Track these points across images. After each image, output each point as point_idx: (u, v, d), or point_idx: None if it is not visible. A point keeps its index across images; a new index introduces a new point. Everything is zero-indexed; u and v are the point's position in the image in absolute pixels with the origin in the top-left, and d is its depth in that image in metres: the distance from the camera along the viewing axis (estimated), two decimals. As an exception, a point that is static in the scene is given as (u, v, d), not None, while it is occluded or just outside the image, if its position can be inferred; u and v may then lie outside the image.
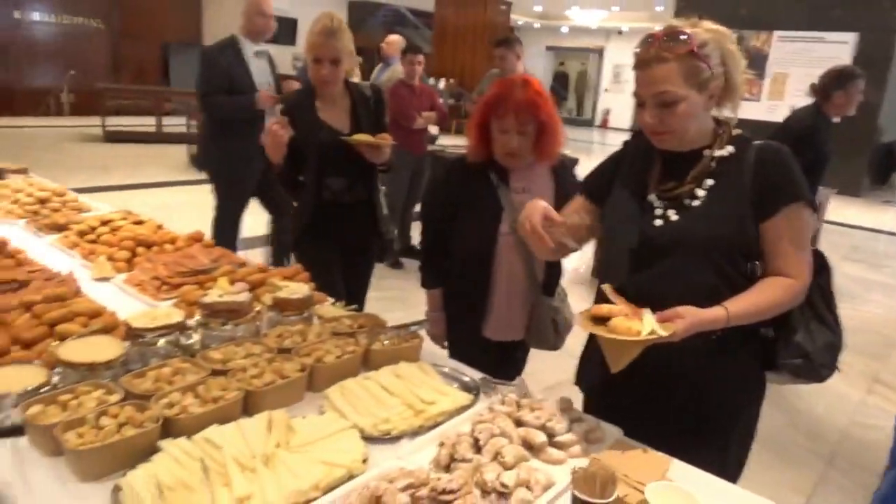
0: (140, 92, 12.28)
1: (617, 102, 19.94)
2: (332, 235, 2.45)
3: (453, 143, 6.91)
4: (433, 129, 5.90)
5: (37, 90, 12.58)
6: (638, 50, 1.33)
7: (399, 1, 17.05)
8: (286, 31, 14.39)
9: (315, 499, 1.11)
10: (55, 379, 1.35)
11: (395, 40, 5.73)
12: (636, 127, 1.57)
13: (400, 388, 1.46)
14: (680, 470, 1.26)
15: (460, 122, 12.22)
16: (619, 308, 1.30)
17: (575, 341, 1.83)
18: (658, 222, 1.40)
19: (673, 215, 1.39)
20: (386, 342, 1.64)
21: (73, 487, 1.14)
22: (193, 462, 1.15)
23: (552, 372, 2.60)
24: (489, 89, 1.99)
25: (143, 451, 1.17)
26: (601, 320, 1.29)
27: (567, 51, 21.41)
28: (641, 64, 1.32)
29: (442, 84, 13.92)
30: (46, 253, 2.22)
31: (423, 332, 1.75)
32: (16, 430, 1.25)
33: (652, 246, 1.39)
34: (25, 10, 12.70)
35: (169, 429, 1.23)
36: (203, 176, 4.27)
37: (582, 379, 1.66)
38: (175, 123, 10.46)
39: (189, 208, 6.21)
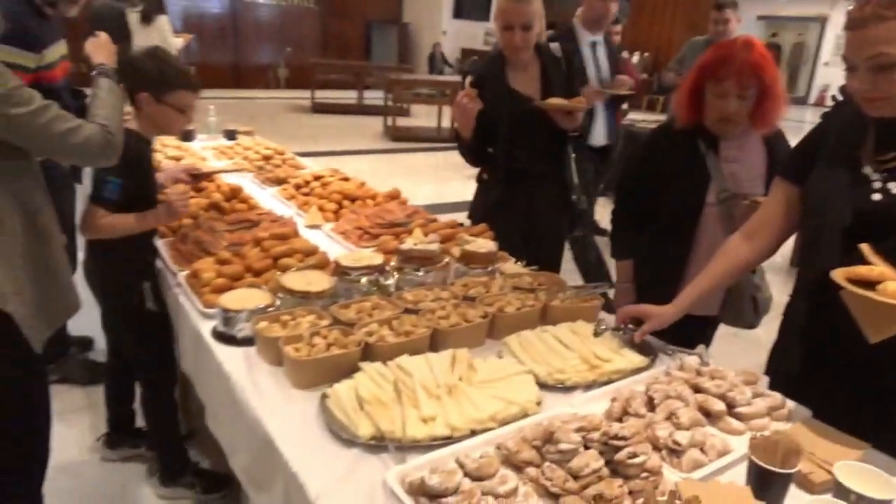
0: (344, 67, 13.27)
1: (837, 77, 17.73)
2: (522, 207, 2.38)
3: (643, 119, 6.65)
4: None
5: (259, 66, 14.11)
6: (851, 7, 1.21)
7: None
8: (479, 4, 14.67)
9: (491, 428, 1.20)
10: (277, 302, 1.57)
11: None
12: (838, 97, 1.42)
13: (576, 343, 1.50)
14: (877, 459, 1.16)
15: (653, 99, 11.68)
16: (889, 270, 1.17)
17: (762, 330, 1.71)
18: (876, 196, 1.27)
19: (895, 188, 1.26)
20: (565, 300, 1.68)
21: (290, 392, 1.34)
22: (387, 383, 1.30)
23: (737, 356, 2.47)
24: (693, 57, 1.89)
25: (346, 369, 1.34)
26: (861, 284, 1.17)
27: (782, 20, 19.35)
28: (855, 23, 1.19)
29: (636, 58, 13.36)
30: (269, 201, 2.55)
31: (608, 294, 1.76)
32: (247, 341, 1.49)
33: (870, 223, 1.26)
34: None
35: (368, 353, 1.39)
36: (397, 144, 4.50)
37: (776, 369, 1.55)
38: (374, 97, 11.20)
39: (383, 174, 6.64)
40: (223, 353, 1.47)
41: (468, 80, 2.32)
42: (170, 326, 1.90)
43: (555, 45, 2.46)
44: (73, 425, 2.44)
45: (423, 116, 10.55)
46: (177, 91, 1.81)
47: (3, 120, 1.33)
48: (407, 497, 1.02)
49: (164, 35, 5.58)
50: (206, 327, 1.56)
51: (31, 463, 1.62)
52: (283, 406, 1.29)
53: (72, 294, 1.66)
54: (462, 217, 2.50)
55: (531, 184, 2.37)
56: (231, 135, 3.66)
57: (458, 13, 15.21)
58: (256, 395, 1.33)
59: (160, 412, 2.06)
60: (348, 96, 11.70)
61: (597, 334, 1.54)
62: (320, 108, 11.26)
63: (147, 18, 5.48)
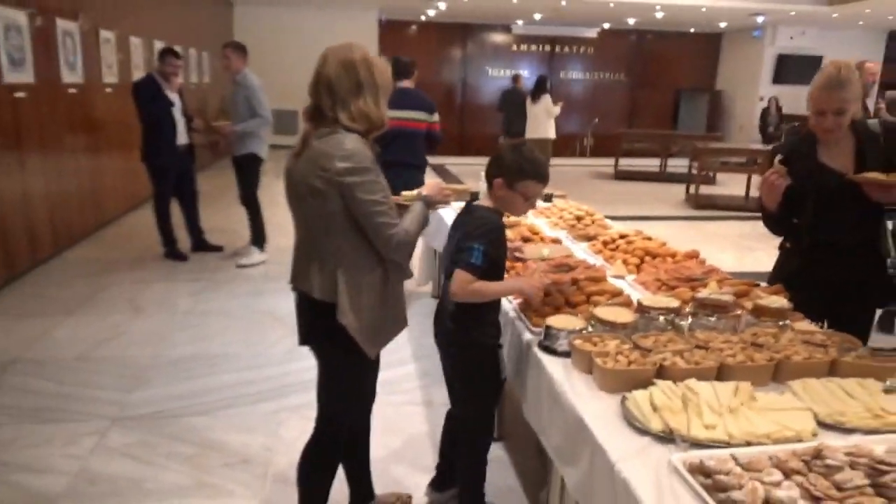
0: (648, 136, 13.54)
1: None
2: (825, 276, 2.35)
3: None
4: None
5: (569, 135, 15.15)
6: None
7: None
8: (801, 68, 13.74)
9: (763, 444, 1.43)
10: (589, 328, 1.99)
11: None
12: None
13: (862, 394, 1.62)
14: None
15: None
16: None
17: None
18: None
19: None
20: (858, 358, 1.78)
21: (597, 392, 1.73)
22: (676, 398, 1.61)
23: None
24: None
25: (642, 382, 1.69)
26: None
27: None
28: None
29: None
30: (581, 254, 3.02)
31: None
32: (565, 354, 1.93)
33: None
34: (567, 71, 15.56)
35: (661, 373, 1.72)
36: (699, 212, 4.62)
37: None
38: (678, 165, 11.24)
39: (683, 240, 6.71)
40: (546, 360, 1.94)
41: (778, 157, 2.40)
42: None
43: (874, 122, 2.47)
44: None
45: (730, 185, 10.26)
46: (527, 181, 2.01)
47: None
48: (687, 473, 1.33)
49: (548, 108, 9.12)
50: (533, 342, 2.05)
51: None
52: (592, 401, 1.68)
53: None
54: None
55: (837, 255, 2.35)
56: (549, 198, 4.28)
57: (778, 78, 14.43)
58: (572, 391, 1.75)
59: (477, 468, 2.24)
60: (652, 164, 11.93)
61: (888, 391, 1.63)
62: (623, 175, 11.68)
63: (534, 98, 8.89)
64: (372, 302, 1.90)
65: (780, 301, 2.05)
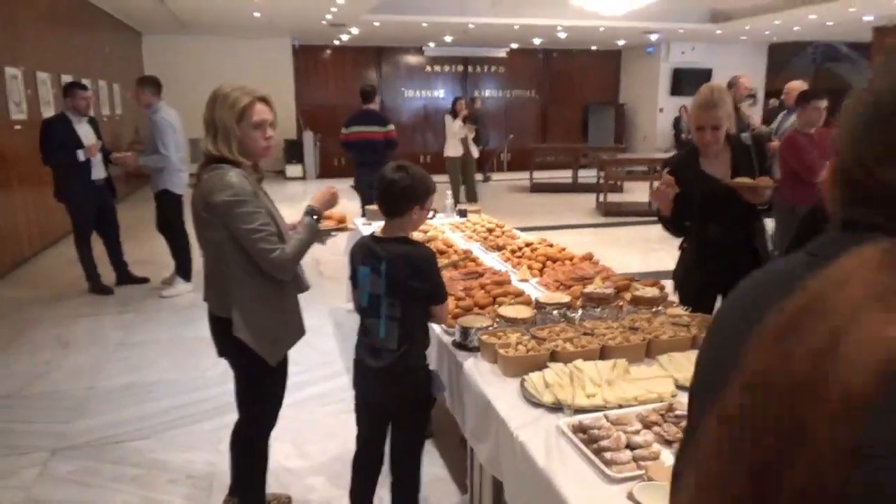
0: (559, 149, 14.26)
1: None
2: (714, 270, 2.65)
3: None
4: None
5: (487, 151, 15.71)
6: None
7: (829, 33, 15.80)
8: (694, 81, 14.88)
9: (632, 405, 1.77)
10: (494, 325, 2.30)
11: (794, 86, 5.81)
12: None
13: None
14: None
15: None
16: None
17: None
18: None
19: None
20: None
21: (501, 379, 2.03)
22: (566, 375, 1.93)
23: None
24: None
25: (538, 366, 2.00)
26: None
27: None
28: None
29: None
30: (491, 262, 3.35)
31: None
32: (476, 349, 2.23)
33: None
34: (481, 89, 16.19)
35: (554, 358, 2.05)
36: (608, 219, 5.05)
37: None
38: (589, 175, 11.93)
39: (593, 246, 7.21)
40: (460, 356, 2.23)
41: (666, 169, 2.76)
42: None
43: (745, 135, 2.94)
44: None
45: (635, 192, 11.00)
46: (431, 196, 2.16)
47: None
48: (570, 432, 1.64)
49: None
50: (447, 340, 2.34)
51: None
52: (496, 385, 1.99)
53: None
54: (668, 283, 2.94)
55: (723, 251, 2.69)
56: (463, 213, 4.61)
57: (675, 90, 15.55)
58: (481, 379, 2.05)
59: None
60: (565, 176, 12.59)
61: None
62: (538, 188, 12.27)
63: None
64: (265, 314, 2.12)
65: (653, 291, 2.43)
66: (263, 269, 2.08)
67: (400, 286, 2.07)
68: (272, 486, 2.61)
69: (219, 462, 2.86)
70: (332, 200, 2.30)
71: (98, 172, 5.34)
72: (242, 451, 2.35)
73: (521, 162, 14.71)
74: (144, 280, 5.79)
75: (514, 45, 15.71)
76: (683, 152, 2.94)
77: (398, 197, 2.09)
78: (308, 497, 2.67)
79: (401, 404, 2.20)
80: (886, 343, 0.37)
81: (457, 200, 7.55)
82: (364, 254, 2.14)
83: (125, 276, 5.74)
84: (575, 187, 12.16)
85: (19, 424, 3.27)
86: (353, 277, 2.20)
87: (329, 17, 10.96)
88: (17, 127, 6.62)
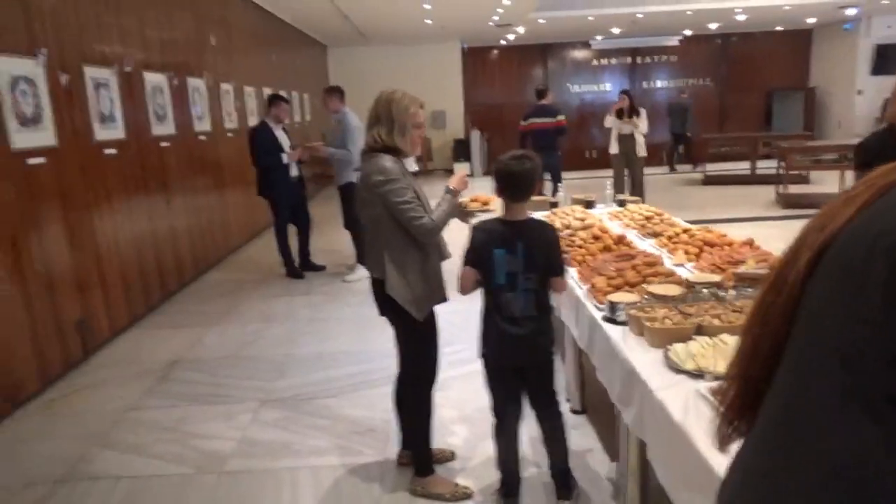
0: (735, 139, 13.40)
1: None
2: None
3: None
4: None
5: (657, 145, 15.18)
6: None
7: None
8: (904, 58, 13.18)
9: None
10: (643, 301, 2.41)
11: None
12: None
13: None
14: None
15: None
16: None
17: None
18: None
19: None
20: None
21: (647, 349, 2.15)
22: (709, 347, 2.01)
23: None
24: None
25: (683, 338, 2.10)
26: None
27: None
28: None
29: None
30: (648, 248, 3.41)
31: None
32: (624, 323, 2.36)
33: None
34: (651, 80, 15.67)
35: (700, 331, 2.12)
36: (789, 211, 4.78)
37: None
38: (768, 166, 11.14)
39: (771, 239, 6.82)
40: (609, 329, 2.37)
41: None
42: None
43: None
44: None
45: (825, 182, 10.08)
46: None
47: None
48: (709, 394, 1.74)
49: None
50: (598, 315, 2.49)
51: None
52: (642, 355, 2.11)
53: None
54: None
55: None
56: (622, 203, 4.66)
57: (879, 69, 13.87)
58: (628, 349, 2.18)
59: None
60: (742, 167, 11.86)
61: None
62: (712, 181, 11.68)
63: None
64: (411, 277, 2.48)
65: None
66: (413, 235, 2.45)
67: (536, 262, 2.33)
68: (439, 443, 2.93)
69: (394, 421, 3.24)
70: (464, 182, 2.64)
71: (293, 171, 6.14)
72: (404, 401, 2.73)
73: (695, 154, 14.06)
74: (322, 268, 6.52)
75: (688, 32, 15.02)
76: (881, 132, 2.78)
77: (529, 184, 2.37)
78: (470, 455, 2.95)
79: (542, 363, 2.45)
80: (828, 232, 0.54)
81: (617, 192, 7.52)
82: (497, 238, 2.35)
83: (307, 264, 6.50)
84: (752, 179, 11.40)
85: (235, 380, 3.94)
86: (478, 262, 2.37)
87: (496, 18, 11.32)
88: (230, 135, 7.72)
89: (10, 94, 3.74)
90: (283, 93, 8.94)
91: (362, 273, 6.08)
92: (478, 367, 3.89)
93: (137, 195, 5.29)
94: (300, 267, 6.46)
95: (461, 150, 14.31)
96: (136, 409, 3.62)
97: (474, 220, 2.74)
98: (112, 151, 4.89)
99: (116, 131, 4.99)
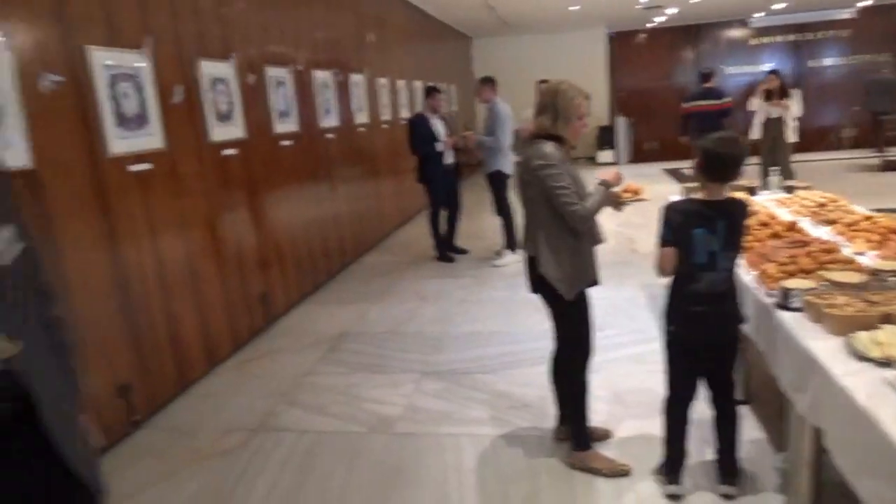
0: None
1: None
2: None
3: None
4: None
5: (821, 128, 13.96)
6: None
7: None
8: None
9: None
10: (820, 288, 2.33)
11: None
12: None
13: None
14: None
15: None
16: None
17: None
18: None
19: None
20: None
21: (825, 336, 2.09)
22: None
23: None
24: None
25: (868, 326, 2.01)
26: None
27: None
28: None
29: None
30: (822, 235, 3.24)
31: None
32: (798, 310, 2.29)
33: None
34: (817, 58, 14.38)
35: (889, 320, 2.03)
36: None
37: None
38: (962, 149, 9.88)
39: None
40: (781, 315, 2.32)
41: None
42: None
43: None
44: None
45: None
46: None
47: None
48: (899, 382, 1.68)
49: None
50: (768, 301, 2.44)
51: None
52: (820, 342, 2.06)
53: None
54: None
55: None
56: (790, 190, 4.42)
57: None
58: (803, 336, 2.13)
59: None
60: (927, 151, 10.61)
61: None
62: (891, 166, 10.56)
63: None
64: (562, 257, 2.59)
65: None
66: (565, 220, 2.55)
67: (735, 240, 2.37)
68: (595, 423, 3.01)
69: (550, 398, 3.36)
70: (617, 178, 2.69)
71: (448, 158, 6.44)
72: (560, 378, 2.87)
73: (866, 137, 12.76)
74: (465, 251, 6.75)
75: (865, 2, 13.59)
76: None
77: (738, 166, 2.36)
78: (626, 434, 3.00)
79: (731, 342, 2.47)
80: None
81: (763, 179, 7.13)
82: (696, 218, 2.35)
83: (451, 247, 6.76)
84: (942, 165, 10.16)
85: (398, 353, 4.24)
86: (677, 242, 2.39)
87: (644, 0, 10.96)
88: (384, 126, 8.17)
89: (212, 93, 4.27)
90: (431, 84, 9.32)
91: (510, 258, 6.23)
92: (629, 351, 3.94)
93: (307, 183, 5.80)
94: (446, 248, 6.74)
95: (605, 138, 14.02)
96: (312, 373, 4.02)
97: (626, 208, 2.78)
98: (287, 143, 5.40)
99: (291, 124, 5.50)
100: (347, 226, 6.71)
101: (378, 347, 4.36)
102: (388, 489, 2.76)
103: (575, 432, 2.81)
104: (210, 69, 4.26)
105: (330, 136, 6.35)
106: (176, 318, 3.83)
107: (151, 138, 3.65)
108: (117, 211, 3.38)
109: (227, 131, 4.48)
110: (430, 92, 6.49)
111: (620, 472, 2.71)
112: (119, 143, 3.38)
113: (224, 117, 4.44)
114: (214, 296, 4.26)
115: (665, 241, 2.41)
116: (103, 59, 3.28)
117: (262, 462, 3.04)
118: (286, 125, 5.39)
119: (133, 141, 3.49)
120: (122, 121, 3.41)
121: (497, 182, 6.27)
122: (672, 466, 2.56)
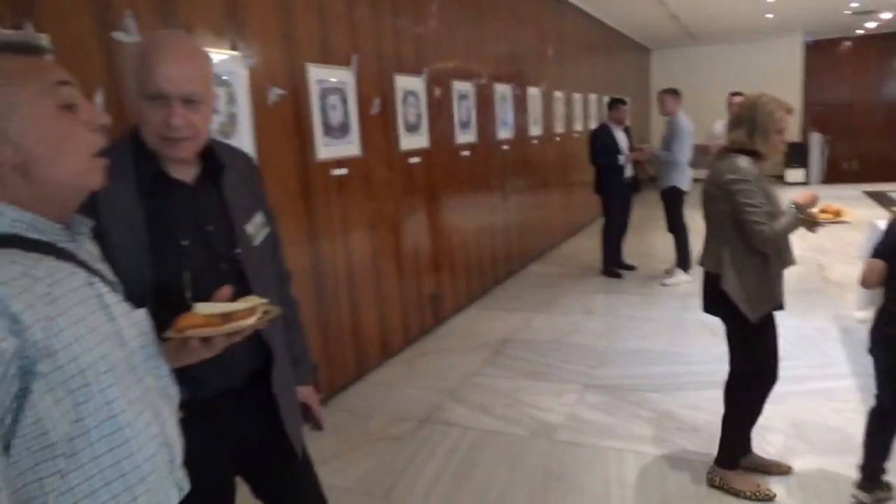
0: None
1: None
2: None
3: None
4: None
5: None
6: None
7: None
8: None
9: None
10: None
11: None
12: None
13: None
14: None
15: None
16: None
17: None
18: None
19: None
20: None
21: None
22: None
23: None
24: None
25: None
26: None
27: None
28: None
29: None
30: None
31: None
32: None
33: None
34: None
35: None
36: None
37: None
38: None
39: None
40: None
41: None
42: None
43: None
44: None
45: None
46: None
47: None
48: None
49: None
50: None
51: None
52: None
53: None
54: None
55: None
56: None
57: None
58: None
59: None
60: None
61: None
62: None
63: None
64: (748, 276, 2.47)
65: None
66: (751, 239, 2.43)
67: None
68: (772, 455, 2.85)
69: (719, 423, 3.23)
70: (811, 200, 2.50)
71: (627, 172, 6.39)
72: (730, 399, 2.71)
73: None
74: (633, 268, 6.58)
75: None
76: None
77: None
78: (807, 473, 2.80)
79: None
80: None
81: None
82: None
83: (618, 262, 6.62)
84: None
85: (561, 362, 4.29)
86: (889, 255, 2.32)
87: (855, 4, 9.98)
88: (557, 139, 8.23)
89: (403, 105, 4.62)
90: (606, 98, 9.23)
91: (681, 278, 6.00)
92: (815, 385, 3.70)
93: (481, 191, 6.03)
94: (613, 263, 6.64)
95: (796, 155, 12.92)
96: (477, 374, 4.19)
97: (821, 231, 2.60)
98: (465, 153, 5.66)
99: (470, 135, 5.75)
100: (515, 235, 6.85)
101: (541, 356, 4.43)
102: (550, 492, 2.83)
103: (724, 448, 2.71)
104: (404, 83, 4.62)
105: (505, 147, 6.54)
106: (358, 311, 4.20)
107: (351, 146, 4.04)
108: (318, 210, 3.79)
109: (414, 141, 4.82)
110: (615, 104, 6.49)
111: (764, 497, 2.57)
112: (324, 149, 3.79)
113: (412, 127, 4.78)
114: (392, 293, 4.59)
115: (878, 252, 2.34)
116: (317, 75, 3.71)
117: (430, 451, 3.25)
118: (466, 136, 5.66)
119: (335, 148, 3.90)
120: (328, 129, 3.83)
121: (672, 198, 6.08)
122: (870, 483, 2.46)
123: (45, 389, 0.88)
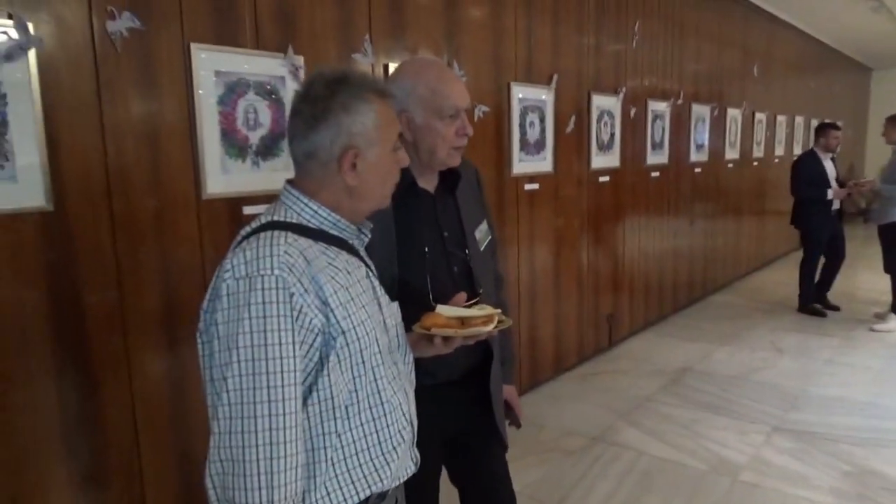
0: None
1: None
2: None
3: None
4: None
5: None
6: None
7: None
8: None
9: None
10: None
11: None
12: None
13: None
14: None
15: None
16: None
17: None
18: None
19: None
20: None
21: None
22: None
23: None
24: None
25: None
26: None
27: None
28: None
29: None
30: None
31: None
32: None
33: None
34: None
35: None
36: None
37: None
38: None
39: None
40: None
41: None
42: None
43: None
44: None
45: None
46: None
47: None
48: None
49: None
50: None
51: None
52: None
53: None
54: None
55: None
56: None
57: None
58: None
59: None
60: None
61: None
62: None
63: None
64: None
65: None
66: None
67: None
68: None
69: (936, 492, 2.89)
70: None
71: (835, 204, 5.83)
72: None
73: None
74: (837, 308, 5.96)
75: None
76: None
77: None
78: None
79: None
80: None
81: None
82: None
83: (822, 300, 6.02)
84: None
85: (745, 399, 4.06)
86: None
87: None
88: (755, 164, 7.73)
89: (597, 124, 4.66)
90: (814, 121, 8.49)
91: (895, 324, 5.38)
92: None
93: (667, 214, 5.86)
94: (814, 301, 6.08)
95: None
96: (652, 400, 4.10)
97: None
98: (655, 174, 5.55)
99: (661, 157, 5.63)
100: (700, 262, 6.56)
101: (724, 390, 4.22)
102: (729, 532, 2.72)
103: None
104: (600, 102, 4.66)
105: (697, 170, 6.30)
106: (536, 321, 4.30)
107: (544, 162, 4.17)
108: (509, 222, 3.96)
109: (605, 160, 4.83)
110: (825, 128, 5.91)
111: None
112: (519, 164, 3.96)
113: (604, 147, 4.80)
114: (570, 308, 4.63)
115: None
116: (520, 93, 3.88)
117: (602, 469, 3.25)
118: (657, 157, 5.55)
119: (529, 164, 4.04)
120: (524, 145, 3.98)
121: (891, 236, 5.45)
122: None
123: (336, 362, 1.09)
